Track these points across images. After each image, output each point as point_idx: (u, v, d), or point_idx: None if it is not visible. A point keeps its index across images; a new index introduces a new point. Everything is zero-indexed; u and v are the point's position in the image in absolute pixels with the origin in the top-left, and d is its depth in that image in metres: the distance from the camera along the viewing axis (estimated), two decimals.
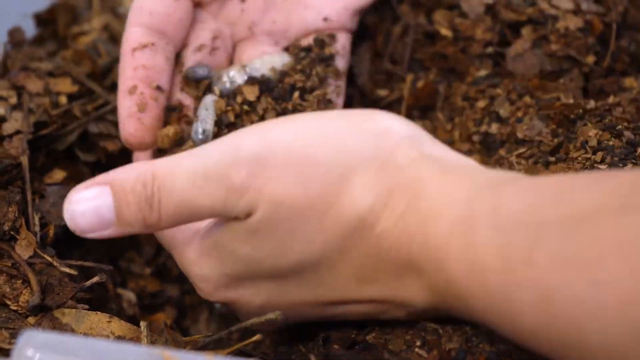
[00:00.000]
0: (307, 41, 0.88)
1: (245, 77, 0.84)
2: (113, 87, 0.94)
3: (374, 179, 0.66)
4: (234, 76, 0.84)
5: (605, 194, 0.57)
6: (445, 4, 0.92)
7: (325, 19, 0.87)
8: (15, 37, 0.99)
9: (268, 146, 0.67)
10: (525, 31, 0.88)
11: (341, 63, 0.88)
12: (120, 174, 0.70)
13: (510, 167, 0.81)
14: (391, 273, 0.67)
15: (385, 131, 0.68)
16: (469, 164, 0.68)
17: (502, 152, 0.84)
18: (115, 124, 0.90)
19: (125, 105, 0.82)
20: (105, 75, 0.95)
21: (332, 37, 0.87)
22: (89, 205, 0.70)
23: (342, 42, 0.88)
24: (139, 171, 0.70)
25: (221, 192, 0.67)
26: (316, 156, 0.67)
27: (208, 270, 0.72)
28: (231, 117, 0.82)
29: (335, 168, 0.66)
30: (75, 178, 0.87)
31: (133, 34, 0.83)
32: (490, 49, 0.89)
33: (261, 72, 0.84)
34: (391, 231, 0.65)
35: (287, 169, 0.66)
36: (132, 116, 0.82)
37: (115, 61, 0.96)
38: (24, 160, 0.83)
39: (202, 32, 0.87)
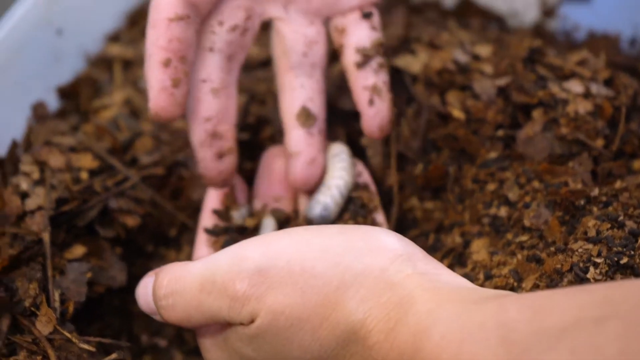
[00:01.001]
0: (344, 21, 0.88)
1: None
2: (133, 163, 0.96)
3: (367, 294, 0.69)
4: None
5: (581, 307, 0.59)
6: (458, 84, 0.93)
7: None
8: (38, 111, 1.01)
9: (270, 258, 0.70)
10: (536, 114, 0.89)
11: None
12: (159, 271, 0.76)
13: (511, 256, 0.83)
14: None
15: (380, 248, 0.71)
16: (460, 282, 0.71)
17: (509, 236, 0.85)
18: (136, 200, 0.92)
19: (159, 78, 0.80)
20: (125, 151, 0.97)
21: (370, 14, 0.88)
22: (141, 291, 0.78)
23: (377, 17, 0.89)
24: (161, 272, 0.75)
25: (226, 300, 0.71)
26: (314, 270, 0.70)
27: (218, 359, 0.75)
28: None
29: (332, 282, 0.69)
30: (96, 254, 0.89)
31: (168, 2, 0.80)
32: (500, 132, 0.90)
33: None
34: (382, 344, 0.67)
35: (287, 281, 0.70)
36: (166, 90, 0.80)
37: (136, 135, 0.98)
38: (46, 236, 0.85)
39: (236, 11, 0.85)
